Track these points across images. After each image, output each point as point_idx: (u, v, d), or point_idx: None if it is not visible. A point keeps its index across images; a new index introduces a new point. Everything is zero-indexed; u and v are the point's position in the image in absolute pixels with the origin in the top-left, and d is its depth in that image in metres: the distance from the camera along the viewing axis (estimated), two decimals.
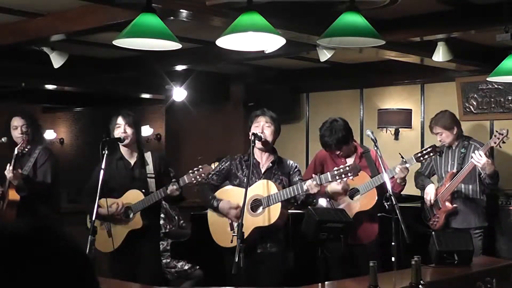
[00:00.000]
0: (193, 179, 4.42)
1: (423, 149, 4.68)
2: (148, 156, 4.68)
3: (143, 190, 4.54)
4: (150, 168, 4.62)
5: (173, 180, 4.45)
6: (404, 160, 4.54)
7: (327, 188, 4.72)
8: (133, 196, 4.53)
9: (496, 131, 5.18)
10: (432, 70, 6.92)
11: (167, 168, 4.82)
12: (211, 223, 4.49)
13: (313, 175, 4.28)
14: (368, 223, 4.72)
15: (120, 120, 4.58)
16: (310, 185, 4.18)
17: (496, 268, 4.16)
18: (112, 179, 4.52)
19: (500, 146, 5.19)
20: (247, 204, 4.23)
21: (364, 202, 4.65)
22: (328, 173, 4.24)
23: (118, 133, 4.56)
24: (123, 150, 4.67)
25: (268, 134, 4.34)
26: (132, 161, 4.65)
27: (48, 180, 5.13)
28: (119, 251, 4.54)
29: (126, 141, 4.58)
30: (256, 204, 4.26)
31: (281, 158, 4.48)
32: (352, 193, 4.73)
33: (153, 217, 4.70)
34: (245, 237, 3.89)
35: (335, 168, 4.24)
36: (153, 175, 4.61)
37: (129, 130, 4.57)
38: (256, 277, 4.23)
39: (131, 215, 4.54)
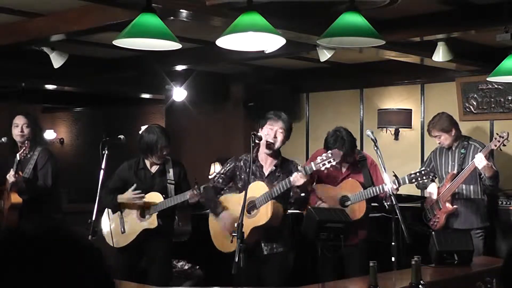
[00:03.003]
0: (211, 185, 4.56)
1: (417, 171, 4.65)
2: (168, 164, 4.85)
3: (163, 195, 4.72)
4: (170, 175, 4.82)
5: (195, 186, 4.54)
6: (396, 179, 4.45)
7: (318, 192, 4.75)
8: (153, 198, 4.72)
9: (497, 134, 5.17)
10: (432, 70, 6.92)
11: (185, 176, 4.94)
12: (212, 228, 4.50)
13: (299, 167, 4.29)
14: (357, 228, 4.71)
15: (162, 143, 4.73)
16: (295, 177, 4.19)
17: (496, 268, 4.15)
18: (131, 185, 4.77)
19: (500, 149, 5.18)
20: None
21: (353, 212, 4.65)
22: (312, 162, 4.27)
23: (159, 154, 4.78)
24: (147, 161, 4.86)
25: (279, 140, 4.36)
26: (153, 170, 4.85)
27: (49, 182, 5.16)
28: (127, 247, 4.74)
29: (162, 162, 4.83)
30: (251, 206, 4.28)
31: (284, 160, 4.50)
32: (343, 200, 4.74)
33: (168, 220, 4.86)
34: (244, 238, 3.90)
35: (318, 157, 4.26)
36: (173, 182, 4.80)
37: (166, 151, 4.80)
38: (263, 277, 4.26)
39: (147, 215, 4.70)
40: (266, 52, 5.32)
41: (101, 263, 1.06)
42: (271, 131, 4.33)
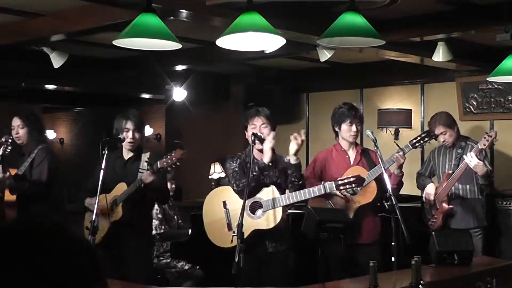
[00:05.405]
0: (164, 163, 4.27)
1: (418, 135, 4.69)
2: (146, 155, 4.60)
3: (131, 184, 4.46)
4: (144, 165, 4.51)
5: (147, 167, 4.35)
6: (399, 148, 4.55)
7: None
8: (120, 188, 4.48)
9: (486, 133, 5.17)
10: (432, 70, 6.92)
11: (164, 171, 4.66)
12: (207, 223, 4.44)
13: (324, 183, 4.33)
14: (370, 220, 4.70)
15: (129, 125, 4.54)
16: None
17: (496, 268, 4.16)
18: (108, 177, 4.44)
19: (489, 148, 5.17)
20: (246, 206, 4.23)
21: (363, 195, 4.63)
22: (333, 182, 4.28)
23: (125, 137, 4.54)
24: (124, 150, 4.65)
25: (266, 134, 4.34)
26: (127, 157, 4.62)
27: (44, 179, 5.03)
28: (101, 245, 4.39)
29: (133, 147, 4.58)
30: (255, 207, 4.26)
31: (277, 156, 4.48)
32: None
33: (138, 212, 4.52)
34: (244, 237, 3.89)
35: (339, 179, 4.27)
36: (144, 170, 4.46)
37: (137, 135, 4.57)
38: (265, 275, 4.25)
39: (115, 207, 4.47)
40: (266, 52, 5.32)
41: (92, 257, 1.05)
42: (254, 129, 4.32)
